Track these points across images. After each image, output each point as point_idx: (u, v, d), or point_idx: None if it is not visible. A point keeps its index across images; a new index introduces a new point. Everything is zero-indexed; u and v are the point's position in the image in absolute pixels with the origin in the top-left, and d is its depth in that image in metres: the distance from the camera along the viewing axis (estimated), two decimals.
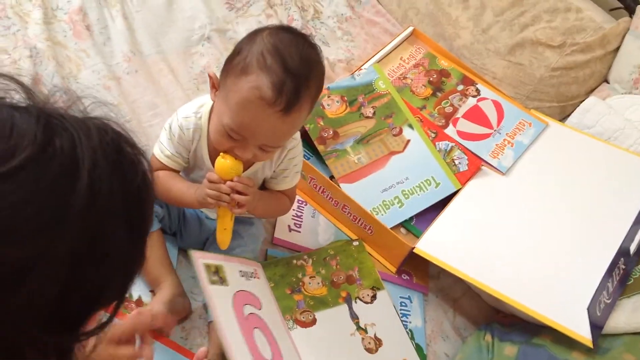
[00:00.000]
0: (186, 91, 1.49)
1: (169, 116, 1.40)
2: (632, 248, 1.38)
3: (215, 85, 1.06)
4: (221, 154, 1.06)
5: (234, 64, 1.01)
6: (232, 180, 1.06)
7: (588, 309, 1.23)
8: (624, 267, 1.35)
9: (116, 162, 0.56)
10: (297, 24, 1.73)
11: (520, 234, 1.42)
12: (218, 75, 1.06)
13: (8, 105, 0.54)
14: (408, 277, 1.43)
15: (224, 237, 1.12)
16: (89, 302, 0.57)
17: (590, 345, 1.21)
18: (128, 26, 1.51)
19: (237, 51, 1.02)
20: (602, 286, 1.29)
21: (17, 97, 0.56)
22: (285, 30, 1.04)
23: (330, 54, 1.73)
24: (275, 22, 1.70)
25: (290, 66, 0.98)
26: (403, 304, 1.39)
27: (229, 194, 1.06)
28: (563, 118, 1.77)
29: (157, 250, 1.15)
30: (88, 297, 0.57)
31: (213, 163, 1.09)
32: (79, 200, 0.51)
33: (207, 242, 1.24)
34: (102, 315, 0.62)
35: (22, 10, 1.44)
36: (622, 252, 1.36)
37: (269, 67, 0.98)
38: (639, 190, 1.51)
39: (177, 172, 1.16)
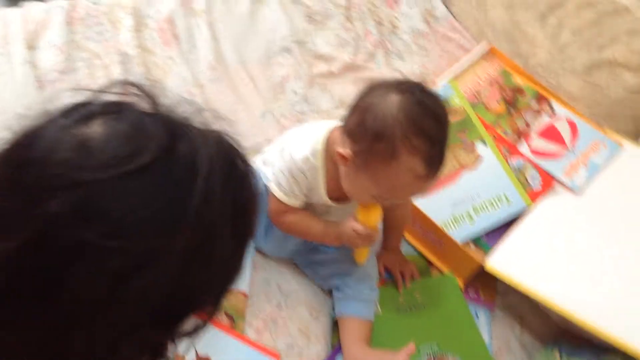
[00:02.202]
0: (265, 100, 1.54)
1: (248, 123, 1.48)
2: None
3: (347, 157, 1.08)
4: (362, 204, 1.14)
5: (377, 149, 1.03)
6: (376, 227, 1.15)
7: None
8: None
9: (228, 173, 0.61)
10: (374, 38, 1.76)
11: (592, 254, 1.41)
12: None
13: (140, 111, 0.59)
14: (475, 294, 1.43)
15: (362, 256, 1.22)
16: (191, 302, 0.61)
17: None
18: (213, 35, 1.58)
19: (374, 132, 1.03)
20: None
21: (144, 104, 0.61)
22: (410, 93, 1.04)
23: (405, 68, 1.75)
24: (352, 36, 1.74)
25: (434, 138, 1.03)
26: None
27: (374, 239, 1.17)
28: (637, 139, 1.75)
29: None
30: (191, 296, 0.61)
31: (329, 197, 1.17)
32: (195, 202, 0.56)
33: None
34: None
35: (115, 17, 1.52)
36: None
37: (417, 148, 1.01)
38: None
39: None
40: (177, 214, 0.55)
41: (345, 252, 1.27)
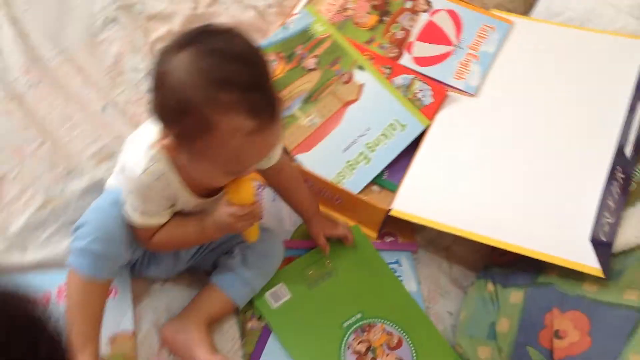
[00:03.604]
0: (102, 90, 1.31)
1: (87, 125, 1.26)
2: (629, 149, 1.23)
3: (171, 147, 0.90)
4: (228, 184, 0.96)
5: (189, 126, 0.85)
6: (252, 201, 0.98)
7: (592, 236, 1.10)
8: (622, 175, 1.21)
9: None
10: None
11: (503, 163, 1.27)
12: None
13: None
14: (392, 238, 1.29)
15: (253, 235, 1.05)
16: None
17: (602, 275, 1.08)
18: (19, 31, 1.31)
19: (177, 108, 0.85)
20: (603, 205, 1.15)
21: None
22: (197, 44, 0.85)
23: (258, 1, 1.52)
24: None
25: (245, 82, 0.84)
26: (393, 269, 1.26)
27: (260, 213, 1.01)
28: (528, 11, 1.58)
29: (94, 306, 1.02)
30: None
31: (198, 194, 1.00)
32: None
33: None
34: None
35: None
36: (618, 157, 1.21)
37: (229, 104, 0.83)
38: (625, 75, 1.34)
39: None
40: None
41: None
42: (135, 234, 1.01)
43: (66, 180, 1.18)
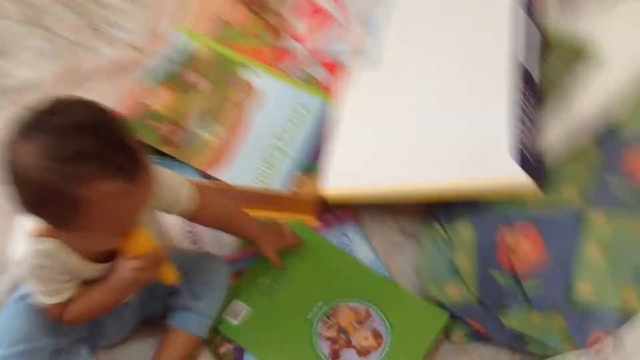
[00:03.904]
0: None
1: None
2: (521, 54, 1.24)
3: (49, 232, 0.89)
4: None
5: (56, 210, 0.84)
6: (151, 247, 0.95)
7: (519, 155, 1.10)
8: (523, 81, 1.22)
9: None
10: (73, 24, 1.49)
11: (413, 107, 1.26)
12: None
13: None
14: (334, 217, 1.29)
15: (169, 277, 1.00)
16: None
17: (533, 186, 1.09)
18: None
19: (36, 199, 0.83)
20: (516, 115, 1.15)
21: None
22: (33, 125, 0.82)
23: (132, 36, 1.50)
24: (47, 37, 1.47)
25: (97, 151, 0.81)
26: (342, 244, 1.25)
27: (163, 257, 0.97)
28: None
29: None
30: None
31: (98, 261, 0.98)
32: None
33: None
34: None
35: None
36: (515, 65, 1.22)
37: (88, 176, 0.80)
38: None
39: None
40: None
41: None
42: (48, 315, 1.00)
43: None
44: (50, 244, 0.92)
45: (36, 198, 0.83)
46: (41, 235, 0.90)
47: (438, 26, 1.37)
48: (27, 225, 0.92)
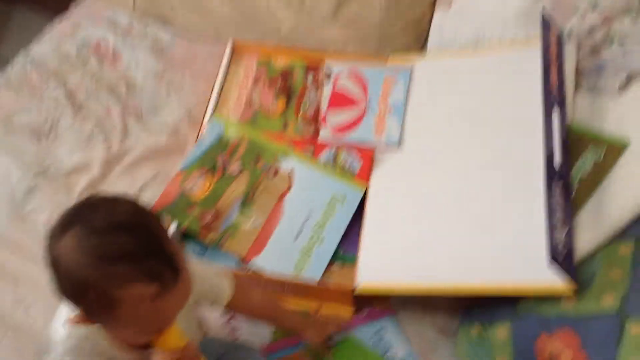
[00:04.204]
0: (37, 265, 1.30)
1: (41, 301, 1.25)
2: (557, 157, 1.26)
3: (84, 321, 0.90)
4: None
5: (93, 306, 0.85)
6: (181, 344, 0.95)
7: (551, 253, 1.11)
8: (559, 184, 1.23)
9: None
10: (116, 110, 1.53)
11: (446, 205, 1.29)
12: None
13: None
14: (371, 310, 1.29)
15: None
16: None
17: (572, 289, 1.10)
18: None
19: (75, 292, 0.85)
20: (551, 219, 1.16)
21: None
22: (78, 224, 0.84)
23: (169, 119, 1.53)
24: (94, 123, 1.51)
25: (135, 253, 0.83)
26: (379, 339, 1.26)
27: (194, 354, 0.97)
28: (423, 44, 1.63)
29: None
30: None
31: (135, 346, 0.97)
32: None
33: None
34: None
35: None
36: (550, 168, 1.24)
37: (126, 277, 0.82)
38: (530, 85, 1.35)
39: None
40: None
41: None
42: None
43: None
44: (87, 329, 0.93)
45: (74, 290, 0.85)
46: (79, 321, 0.90)
47: (464, 116, 1.41)
48: (67, 309, 0.93)
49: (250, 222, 1.33)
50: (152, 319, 0.88)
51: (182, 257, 0.89)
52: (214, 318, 1.24)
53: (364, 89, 1.51)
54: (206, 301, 1.06)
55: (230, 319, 1.25)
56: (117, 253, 0.82)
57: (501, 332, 1.16)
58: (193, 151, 1.41)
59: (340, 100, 1.50)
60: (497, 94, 1.40)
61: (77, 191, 1.40)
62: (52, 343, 0.98)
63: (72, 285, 0.84)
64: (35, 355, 1.18)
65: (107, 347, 0.96)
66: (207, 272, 1.05)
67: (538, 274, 1.11)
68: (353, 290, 1.24)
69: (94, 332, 0.94)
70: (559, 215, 1.17)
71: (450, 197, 1.29)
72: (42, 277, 1.25)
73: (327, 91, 1.52)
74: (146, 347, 0.98)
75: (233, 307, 1.11)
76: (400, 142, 1.42)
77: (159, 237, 0.86)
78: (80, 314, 0.89)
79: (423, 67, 1.53)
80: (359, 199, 1.35)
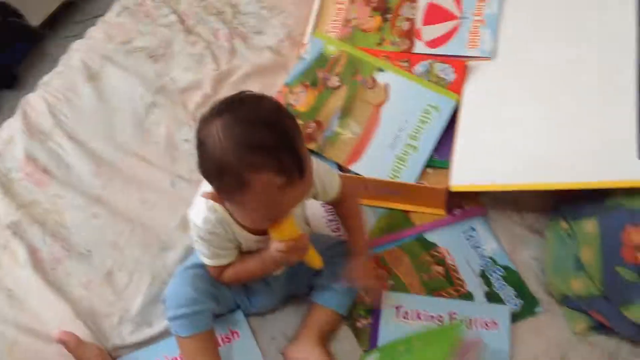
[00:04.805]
0: (164, 168, 1.45)
1: (164, 202, 1.40)
2: None
3: (215, 198, 1.06)
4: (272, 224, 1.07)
5: (226, 184, 0.98)
6: (295, 236, 1.07)
7: None
8: None
9: None
10: (224, 33, 1.65)
11: (538, 110, 1.34)
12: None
13: None
14: (460, 209, 1.38)
15: (313, 261, 1.13)
16: None
17: None
18: (78, 144, 1.47)
19: (214, 170, 0.99)
20: None
21: None
22: (228, 112, 0.97)
23: (270, 40, 1.64)
24: (204, 46, 1.63)
25: (272, 146, 0.95)
26: (470, 237, 1.34)
27: (306, 244, 1.09)
28: None
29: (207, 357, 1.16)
30: None
31: (256, 233, 1.11)
32: None
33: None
34: None
35: None
36: None
37: (259, 165, 0.94)
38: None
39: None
40: None
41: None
42: (208, 272, 1.16)
43: (163, 256, 1.33)
44: (220, 213, 1.08)
45: (214, 169, 0.99)
46: (212, 198, 1.05)
47: (557, 27, 1.44)
48: (205, 188, 1.08)
49: (349, 132, 1.42)
50: (272, 207, 1.01)
51: (309, 159, 1.01)
52: (319, 215, 1.36)
53: (458, 1, 1.55)
54: (316, 195, 1.17)
55: (332, 218, 1.36)
56: (256, 143, 0.94)
57: (589, 225, 1.21)
58: (296, 67, 1.52)
59: (434, 13, 1.55)
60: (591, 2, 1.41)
61: (191, 106, 1.54)
62: (190, 220, 1.13)
63: (212, 164, 0.98)
64: (158, 247, 1.35)
65: (236, 231, 1.11)
66: (322, 168, 1.16)
67: (629, 167, 1.16)
68: (447, 190, 1.32)
69: (225, 215, 1.08)
70: None
71: (542, 101, 1.33)
72: (164, 183, 1.42)
73: (422, 6, 1.57)
74: (262, 234, 1.12)
75: (335, 204, 1.22)
76: (493, 53, 1.46)
77: (294, 137, 0.98)
78: (214, 192, 1.03)
79: None
80: (453, 107, 1.41)
